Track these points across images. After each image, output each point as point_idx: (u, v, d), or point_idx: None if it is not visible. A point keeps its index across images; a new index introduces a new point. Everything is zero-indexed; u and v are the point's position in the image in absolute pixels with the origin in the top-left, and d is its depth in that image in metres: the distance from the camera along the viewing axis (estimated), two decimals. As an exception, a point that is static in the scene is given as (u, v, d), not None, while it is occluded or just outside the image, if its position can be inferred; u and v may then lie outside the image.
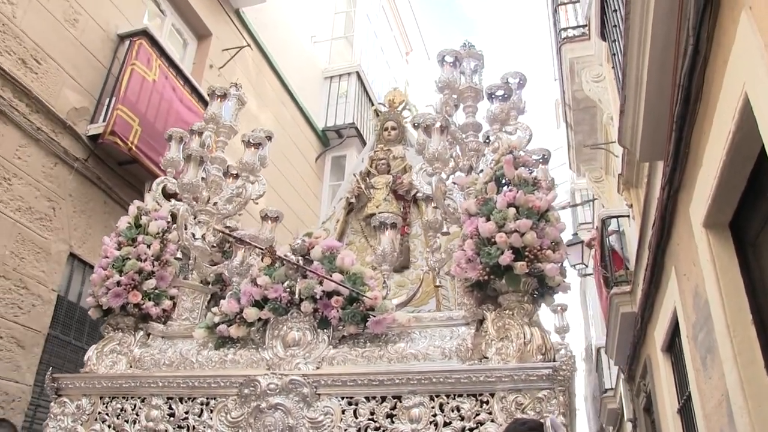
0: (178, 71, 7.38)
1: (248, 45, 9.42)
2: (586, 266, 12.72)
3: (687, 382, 6.26)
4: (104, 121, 6.24)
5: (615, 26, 6.07)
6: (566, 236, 3.66)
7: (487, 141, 4.51)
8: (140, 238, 4.13)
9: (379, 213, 5.01)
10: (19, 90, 5.53)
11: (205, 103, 6.24)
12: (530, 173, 3.68)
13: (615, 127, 7.93)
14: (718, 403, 4.91)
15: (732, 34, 3.50)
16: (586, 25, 10.93)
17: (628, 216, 9.57)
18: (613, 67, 7.03)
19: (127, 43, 6.80)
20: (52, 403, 3.91)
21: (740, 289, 4.40)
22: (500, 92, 4.28)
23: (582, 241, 12.20)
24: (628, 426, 12.63)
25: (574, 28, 11.15)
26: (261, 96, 9.77)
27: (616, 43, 6.02)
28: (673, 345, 7.06)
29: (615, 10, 5.95)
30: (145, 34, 6.88)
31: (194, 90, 7.57)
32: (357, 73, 12.17)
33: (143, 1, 7.57)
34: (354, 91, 11.96)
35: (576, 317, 22.77)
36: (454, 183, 4.28)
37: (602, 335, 13.23)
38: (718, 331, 4.62)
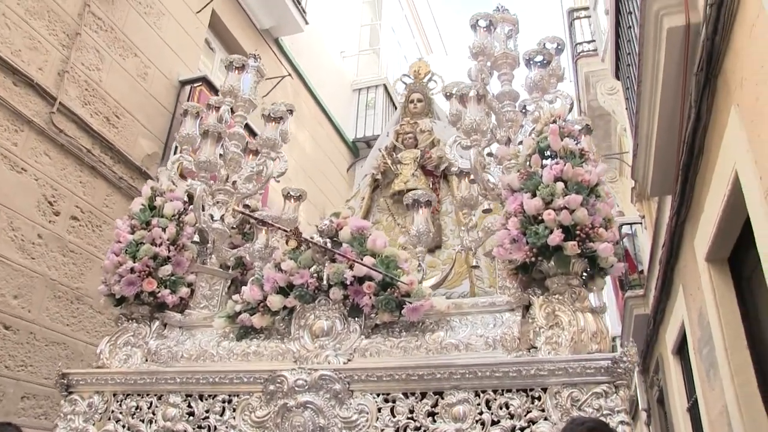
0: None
1: (289, 74, 10.07)
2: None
3: (694, 386, 6.89)
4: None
5: (628, 77, 6.70)
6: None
7: (524, 111, 4.19)
8: (155, 221, 3.83)
9: (408, 189, 4.73)
10: (105, 146, 6.25)
11: (252, 132, 6.91)
12: (576, 144, 3.35)
13: (628, 138, 8.74)
14: (720, 412, 5.53)
15: (725, 118, 4.26)
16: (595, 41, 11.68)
17: (641, 224, 10.18)
18: (627, 108, 7.69)
19: (188, 88, 7.33)
20: (62, 401, 3.64)
21: (737, 317, 5.11)
22: (539, 58, 3.92)
23: None
24: (643, 414, 13.09)
25: (588, 42, 11.70)
26: (299, 117, 10.31)
27: (629, 90, 6.67)
28: (682, 350, 7.69)
29: (629, 65, 6.50)
30: (203, 80, 7.41)
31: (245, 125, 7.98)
32: (384, 85, 12.64)
33: (197, 45, 8.09)
34: (381, 102, 12.57)
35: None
36: (490, 155, 3.96)
37: (617, 325, 13.64)
38: (718, 352, 5.34)
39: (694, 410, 7.28)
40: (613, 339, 15.97)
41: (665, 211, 7.06)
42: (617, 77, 7.80)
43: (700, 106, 4.65)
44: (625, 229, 10.40)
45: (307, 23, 10.15)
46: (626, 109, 7.67)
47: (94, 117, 6.14)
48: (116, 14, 6.61)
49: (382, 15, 14.49)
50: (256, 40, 9.44)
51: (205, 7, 8.17)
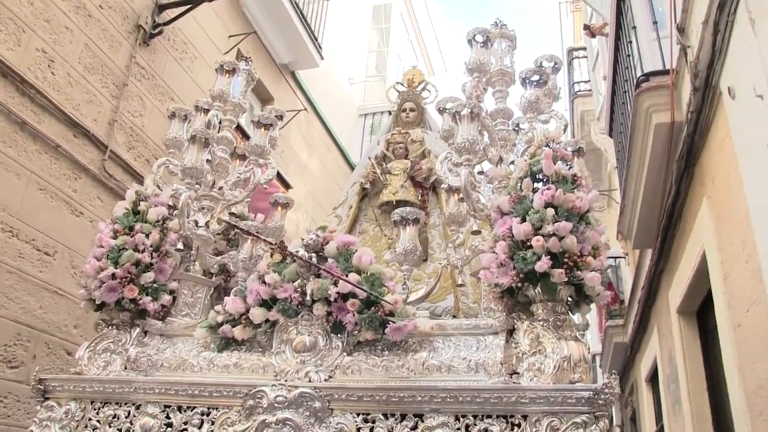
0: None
1: (305, 109, 10.75)
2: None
3: (662, 414, 7.90)
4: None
5: (620, 142, 7.34)
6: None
7: (516, 129, 4.16)
8: (138, 226, 3.76)
9: (397, 201, 4.71)
10: (146, 186, 6.82)
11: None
12: (568, 168, 3.33)
13: (616, 176, 9.63)
14: None
15: (699, 201, 5.05)
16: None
17: (624, 258, 11.24)
18: (616, 162, 8.46)
19: (217, 127, 7.74)
20: (38, 407, 3.56)
21: (700, 364, 6.01)
22: (536, 77, 3.90)
23: None
24: (617, 430, 14.47)
25: (585, 82, 12.68)
26: (310, 145, 11.34)
27: (620, 152, 7.35)
28: (654, 379, 8.66)
29: (620, 132, 7.15)
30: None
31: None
32: (390, 111, 13.06)
33: None
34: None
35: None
36: (481, 173, 3.94)
37: (598, 343, 14.88)
38: (682, 392, 6.25)
39: (661, 434, 8.32)
40: (593, 357, 16.43)
41: (646, 258, 8.01)
42: (611, 136, 8.41)
43: (680, 185, 5.45)
44: (610, 261, 11.42)
45: (322, 58, 10.58)
46: (616, 161, 8.36)
47: (137, 160, 6.74)
48: (156, 62, 7.18)
49: (389, 42, 15.17)
50: (275, 75, 10.09)
51: (232, 48, 8.57)
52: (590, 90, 12.29)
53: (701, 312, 5.98)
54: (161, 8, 7.18)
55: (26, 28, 5.48)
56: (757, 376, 4.04)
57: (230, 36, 8.63)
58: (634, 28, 5.90)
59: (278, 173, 8.56)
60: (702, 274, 5.16)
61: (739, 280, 4.24)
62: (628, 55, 6.12)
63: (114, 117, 6.45)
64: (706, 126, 4.64)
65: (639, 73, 5.49)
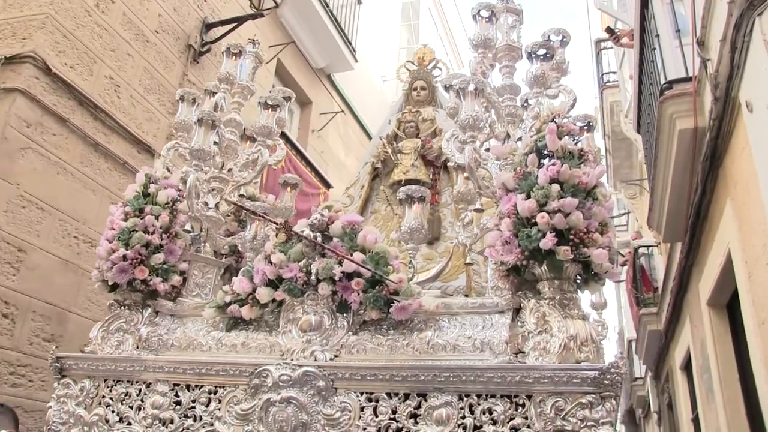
0: (297, 152, 8.99)
1: (341, 111, 11.52)
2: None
3: (697, 402, 8.11)
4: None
5: (647, 139, 7.50)
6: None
7: (525, 105, 4.10)
8: (148, 208, 3.78)
9: (407, 181, 4.69)
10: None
11: (312, 167, 8.97)
12: (575, 143, 3.27)
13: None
14: (716, 430, 6.57)
15: (724, 201, 5.24)
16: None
17: (657, 247, 11.23)
18: (645, 157, 8.57)
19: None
20: (56, 384, 3.64)
21: (731, 355, 6.11)
22: (542, 51, 3.83)
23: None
24: (655, 416, 14.40)
25: (614, 73, 12.78)
26: (347, 143, 11.99)
27: (648, 148, 7.47)
28: (688, 367, 8.81)
29: (648, 131, 7.26)
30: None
31: (303, 158, 9.18)
32: None
33: (267, 92, 9.43)
34: (419, 123, 13.95)
35: (611, 299, 22.70)
36: (488, 150, 3.89)
37: (633, 329, 14.59)
38: (714, 382, 6.40)
39: (696, 422, 8.35)
40: (629, 343, 16.38)
41: (676, 249, 8.13)
42: (638, 132, 8.55)
43: (705, 185, 5.65)
44: (642, 250, 11.55)
45: (356, 61, 11.05)
46: (645, 156, 8.45)
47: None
48: (205, 76, 7.76)
49: (419, 38, 15.55)
50: (312, 79, 10.80)
51: (272, 58, 9.37)
52: (618, 81, 12.34)
53: (731, 305, 6.03)
54: (208, 27, 7.98)
55: (96, 58, 6.27)
56: (781, 371, 4.09)
57: (270, 46, 9.21)
58: (657, 36, 5.98)
59: (318, 173, 9.08)
60: (728, 270, 5.30)
61: (762, 279, 4.32)
62: (652, 61, 6.22)
63: (170, 132, 6.91)
64: (728, 133, 4.79)
65: (663, 80, 5.60)
